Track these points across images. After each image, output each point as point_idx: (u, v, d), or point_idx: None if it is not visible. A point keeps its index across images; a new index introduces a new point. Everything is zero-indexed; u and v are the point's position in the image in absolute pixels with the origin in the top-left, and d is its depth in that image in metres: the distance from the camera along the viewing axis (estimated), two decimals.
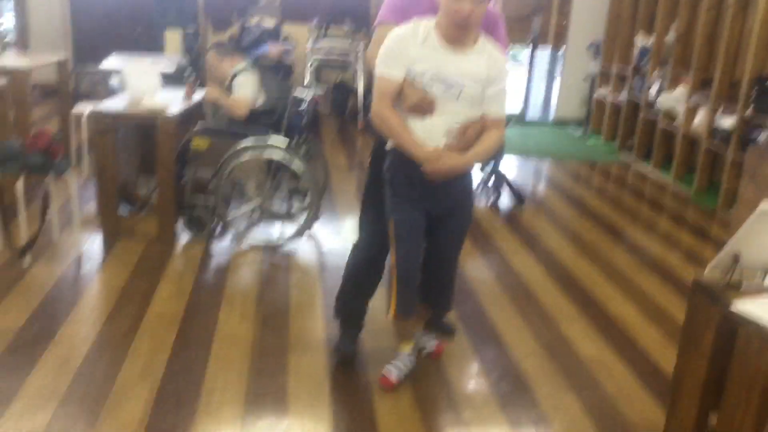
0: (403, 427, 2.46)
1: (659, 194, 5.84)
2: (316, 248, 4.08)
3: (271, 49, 6.24)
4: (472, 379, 2.81)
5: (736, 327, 1.76)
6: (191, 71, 5.25)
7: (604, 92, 7.66)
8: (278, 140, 3.88)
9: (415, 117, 2.39)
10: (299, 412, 2.51)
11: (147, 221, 3.99)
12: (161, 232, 3.91)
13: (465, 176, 2.56)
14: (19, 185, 3.44)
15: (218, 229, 4.14)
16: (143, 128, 4.13)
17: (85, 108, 4.89)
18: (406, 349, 2.76)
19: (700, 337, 1.89)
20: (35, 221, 3.70)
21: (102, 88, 6.89)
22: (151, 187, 4.18)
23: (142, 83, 3.93)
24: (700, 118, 5.85)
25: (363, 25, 7.93)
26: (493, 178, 5.30)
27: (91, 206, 4.26)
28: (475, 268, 3.93)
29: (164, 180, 3.83)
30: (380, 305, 3.17)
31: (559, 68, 8.51)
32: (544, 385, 2.78)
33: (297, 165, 3.86)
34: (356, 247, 2.85)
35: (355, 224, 3.00)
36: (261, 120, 4.07)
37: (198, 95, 4.27)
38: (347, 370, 2.80)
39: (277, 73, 4.28)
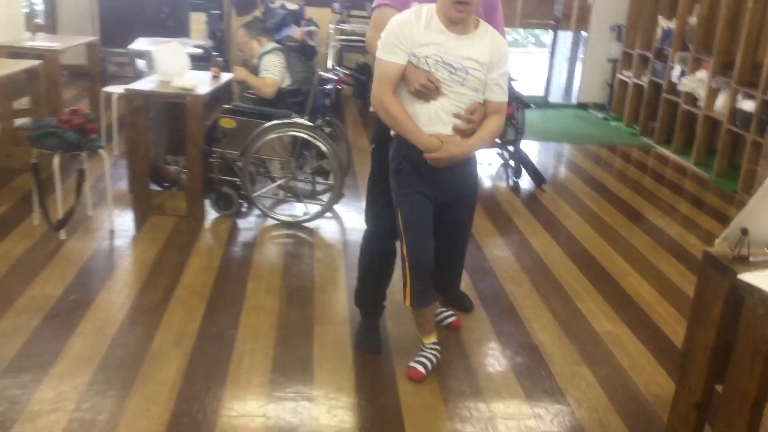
0: (421, 394, 2.57)
1: (679, 177, 5.87)
2: (339, 226, 4.19)
3: (295, 31, 6.33)
4: (490, 351, 2.91)
5: (743, 296, 1.84)
6: (218, 54, 5.36)
7: (626, 75, 7.66)
8: (303, 120, 3.99)
9: (422, 100, 2.37)
10: (323, 379, 2.63)
11: (177, 198, 4.12)
12: (190, 209, 4.04)
13: (469, 162, 2.53)
14: (56, 162, 3.57)
15: (245, 206, 4.26)
16: (173, 109, 4.26)
17: (115, 89, 5.02)
18: (432, 339, 2.74)
19: (709, 306, 1.97)
20: (70, 197, 3.84)
21: (130, 69, 7.05)
22: (180, 166, 4.31)
23: (172, 64, 4.04)
24: (721, 101, 5.86)
25: None
26: (512, 160, 5.35)
27: (123, 184, 4.41)
28: (494, 248, 4.01)
29: (193, 158, 3.95)
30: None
31: (581, 51, 8.50)
32: (560, 359, 2.87)
33: (322, 144, 3.97)
34: (366, 238, 2.81)
35: None
36: (287, 100, 4.17)
37: (225, 77, 4.37)
38: None
39: (302, 54, 4.37)
